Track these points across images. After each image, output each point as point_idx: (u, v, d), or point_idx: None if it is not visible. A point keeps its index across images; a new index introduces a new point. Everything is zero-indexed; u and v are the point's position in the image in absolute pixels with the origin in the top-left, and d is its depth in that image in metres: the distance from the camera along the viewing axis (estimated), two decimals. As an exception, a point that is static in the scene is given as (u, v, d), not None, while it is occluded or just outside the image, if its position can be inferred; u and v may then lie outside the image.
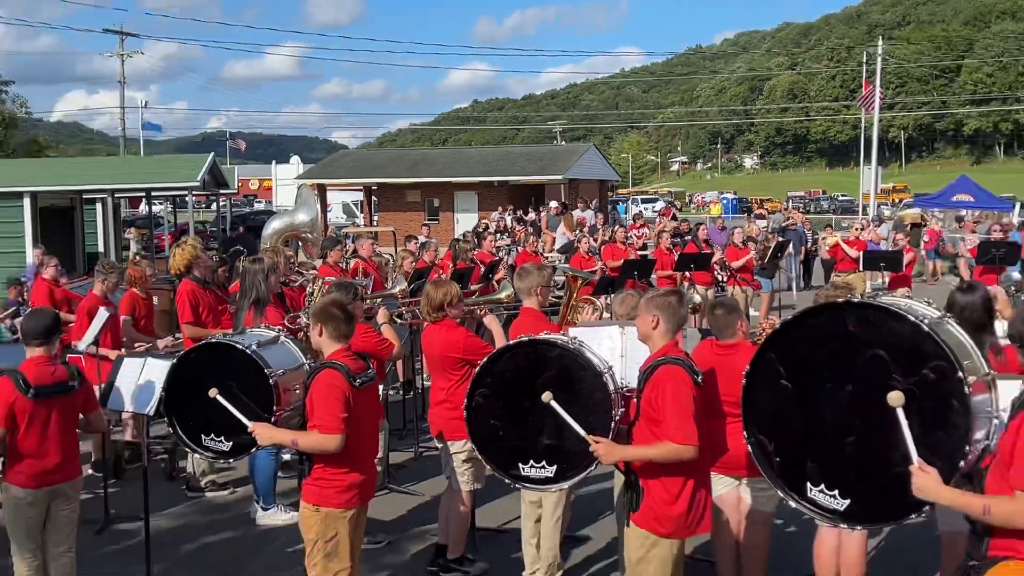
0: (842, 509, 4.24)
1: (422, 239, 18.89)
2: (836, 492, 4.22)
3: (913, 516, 4.10)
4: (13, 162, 28.71)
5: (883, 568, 6.82)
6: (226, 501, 8.92)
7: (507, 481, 5.75)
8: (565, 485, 5.71)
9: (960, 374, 3.85)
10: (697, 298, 12.56)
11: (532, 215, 32.08)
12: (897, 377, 3.96)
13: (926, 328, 3.95)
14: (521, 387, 5.49)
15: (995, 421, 4.11)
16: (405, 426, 10.51)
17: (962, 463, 3.89)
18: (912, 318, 4.01)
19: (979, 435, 3.98)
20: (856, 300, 4.43)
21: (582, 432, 5.14)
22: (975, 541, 3.93)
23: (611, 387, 5.31)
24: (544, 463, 5.47)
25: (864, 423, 4.06)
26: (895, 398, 3.85)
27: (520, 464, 5.54)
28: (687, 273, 15.80)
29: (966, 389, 3.84)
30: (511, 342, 6.08)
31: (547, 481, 5.55)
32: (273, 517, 8.19)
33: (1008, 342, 4.50)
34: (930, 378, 3.92)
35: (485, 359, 5.96)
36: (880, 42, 48.35)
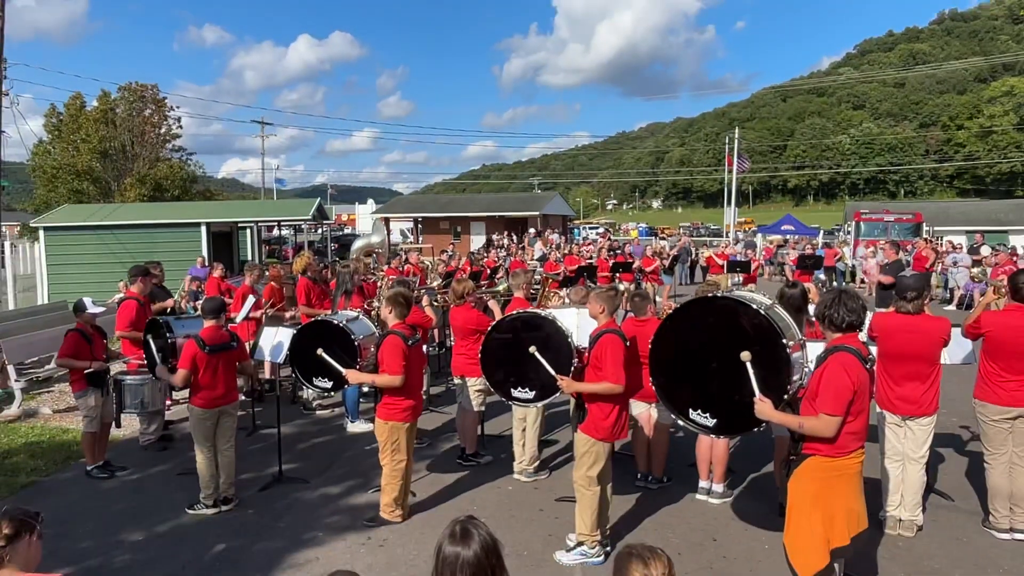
0: (711, 425, 4.24)
1: (449, 252, 18.83)
2: (708, 414, 4.23)
3: (755, 429, 4.11)
4: (194, 203, 28.55)
5: (740, 459, 6.83)
6: (328, 417, 8.88)
7: (504, 400, 5.81)
8: (540, 404, 5.80)
9: (783, 340, 3.87)
10: (621, 289, 12.53)
11: (517, 239, 32.00)
12: (744, 340, 3.98)
13: (763, 312, 3.96)
14: (515, 342, 5.55)
15: (805, 369, 4.13)
16: (440, 370, 10.50)
17: (785, 396, 3.91)
18: (754, 306, 4.02)
19: (795, 378, 4.00)
20: (720, 295, 4.45)
21: (552, 372, 5.21)
22: (794, 443, 3.96)
23: (572, 345, 5.35)
24: (528, 389, 5.56)
25: (725, 371, 4.06)
26: (745, 355, 3.87)
27: (512, 389, 5.61)
28: (618, 274, 15.79)
29: (786, 349, 3.86)
30: (511, 313, 6.11)
31: (529, 401, 5.65)
32: (357, 426, 8.19)
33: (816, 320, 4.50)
34: (764, 342, 3.94)
35: (493, 323, 6.01)
36: (736, 130, 48.15)
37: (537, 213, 39.76)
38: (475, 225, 40.63)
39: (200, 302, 9.04)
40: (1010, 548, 5.16)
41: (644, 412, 6.30)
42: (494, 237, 30.56)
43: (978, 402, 5.41)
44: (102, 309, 7.28)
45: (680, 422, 4.45)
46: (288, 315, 9.60)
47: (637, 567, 2.26)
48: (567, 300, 8.40)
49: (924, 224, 27.69)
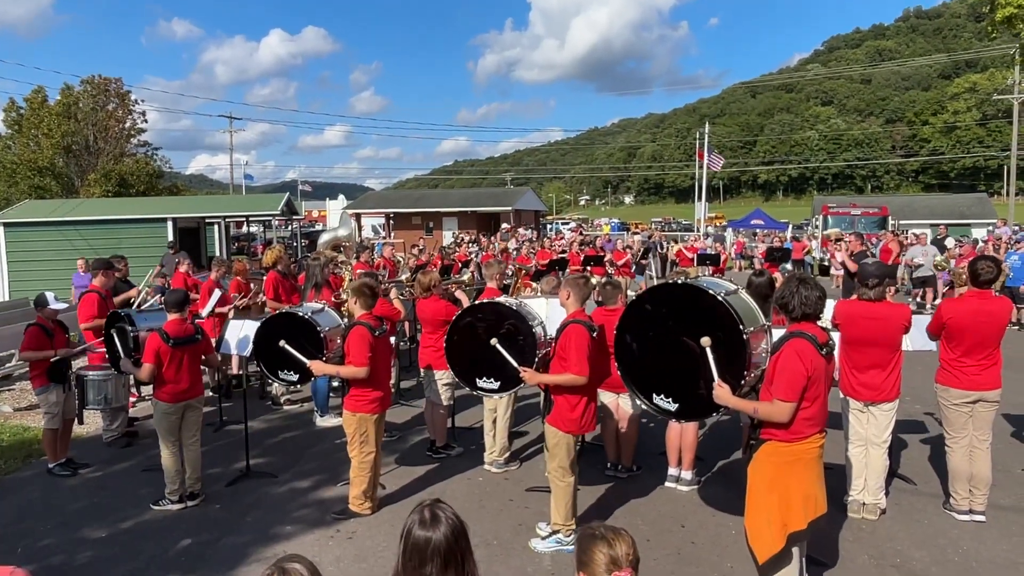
0: (673, 409, 4.26)
1: (420, 247, 18.75)
2: (670, 399, 4.25)
3: (715, 414, 4.15)
4: (161, 199, 28.11)
5: (709, 446, 6.91)
6: (296, 412, 8.80)
7: (469, 389, 5.83)
8: (504, 395, 5.90)
9: (741, 326, 3.89)
10: (594, 282, 12.55)
11: (493, 236, 31.92)
12: (704, 326, 3.99)
13: (720, 298, 3.98)
14: (480, 332, 5.56)
15: (765, 356, 4.15)
16: (411, 364, 10.45)
17: (743, 381, 3.93)
18: (711, 291, 4.04)
19: (756, 363, 4.03)
20: (680, 281, 4.46)
21: (515, 364, 5.21)
22: (752, 428, 3.99)
23: (536, 336, 5.36)
24: (492, 379, 5.57)
25: (686, 356, 4.07)
26: (705, 341, 3.89)
27: (477, 379, 5.62)
28: (589, 268, 15.82)
29: (744, 336, 3.87)
30: (481, 301, 6.11)
31: (493, 391, 5.68)
32: (327, 421, 8.13)
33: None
34: (723, 328, 3.96)
35: (458, 312, 6.01)
36: (707, 126, 48.51)
37: (510, 208, 39.76)
38: (447, 220, 40.50)
39: (164, 296, 8.92)
40: (969, 529, 5.27)
41: (613, 401, 6.33)
42: (456, 233, 30.47)
43: (939, 386, 5.51)
44: (64, 305, 7.14)
45: (644, 406, 4.47)
46: (251, 300, 9.49)
47: (601, 547, 2.22)
48: (539, 292, 8.41)
49: (890, 218, 28.17)
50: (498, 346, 5.28)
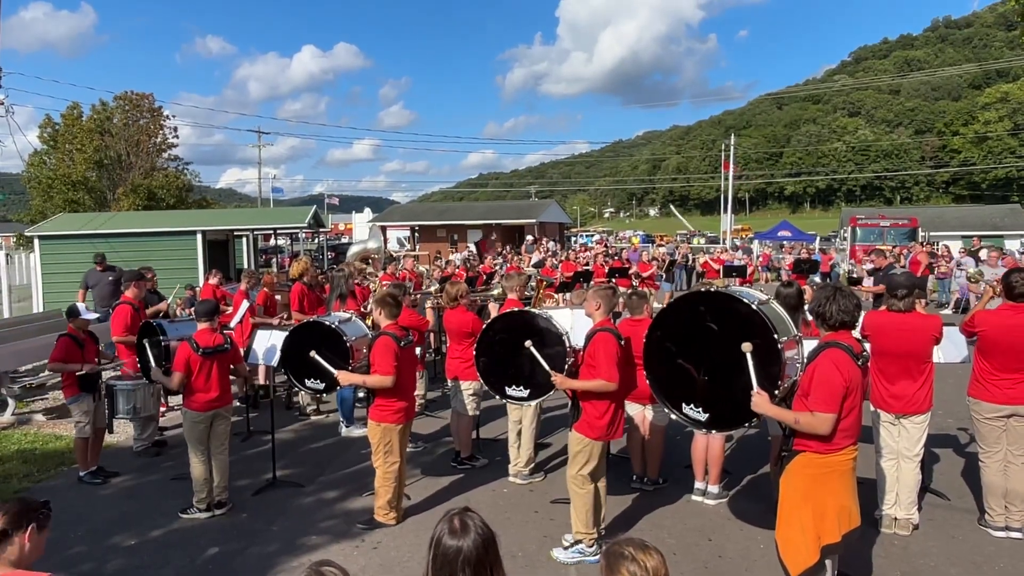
0: (703, 420, 4.22)
1: (444, 259, 18.85)
2: (700, 408, 4.21)
3: (747, 425, 4.10)
4: (190, 212, 28.51)
5: (736, 460, 6.83)
6: (323, 422, 8.86)
7: (498, 397, 5.88)
8: (533, 402, 5.92)
9: (775, 336, 3.85)
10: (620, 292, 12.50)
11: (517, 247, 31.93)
12: (737, 335, 3.95)
13: (754, 307, 3.95)
14: (510, 340, 5.60)
15: (797, 366, 4.11)
16: (436, 375, 10.47)
17: (776, 391, 3.89)
18: (745, 300, 4.01)
19: (788, 373, 3.99)
20: (713, 290, 4.43)
21: (548, 368, 5.22)
22: (785, 439, 3.94)
23: (567, 344, 5.37)
24: (522, 387, 5.60)
25: (717, 365, 4.05)
26: (746, 347, 3.85)
27: (506, 387, 5.66)
28: (614, 279, 15.77)
29: (779, 345, 3.84)
30: (507, 311, 6.13)
31: (523, 399, 5.74)
32: (352, 431, 8.17)
33: (811, 317, 4.50)
34: (756, 336, 3.92)
35: (488, 321, 6.06)
36: (732, 137, 48.18)
37: (534, 221, 39.81)
38: (472, 233, 40.60)
39: (194, 307, 9.04)
40: (1006, 546, 5.15)
41: (639, 413, 6.29)
42: (471, 246, 30.50)
43: (972, 400, 5.41)
44: (96, 316, 7.26)
45: (673, 416, 4.44)
46: (276, 320, 9.58)
47: (629, 566, 2.16)
48: (561, 303, 8.41)
49: (920, 229, 27.76)
50: (532, 349, 5.30)
